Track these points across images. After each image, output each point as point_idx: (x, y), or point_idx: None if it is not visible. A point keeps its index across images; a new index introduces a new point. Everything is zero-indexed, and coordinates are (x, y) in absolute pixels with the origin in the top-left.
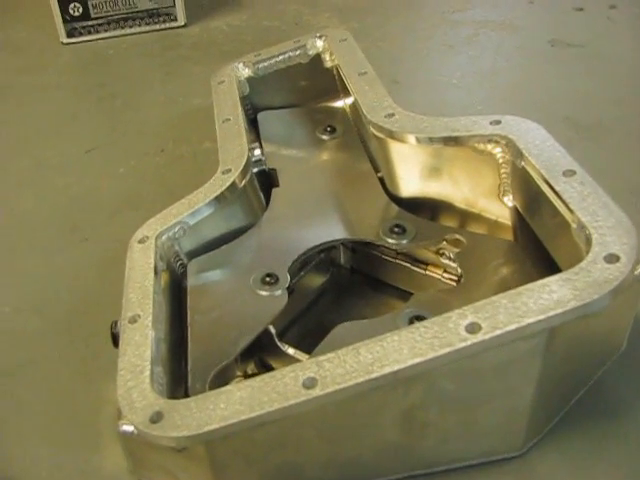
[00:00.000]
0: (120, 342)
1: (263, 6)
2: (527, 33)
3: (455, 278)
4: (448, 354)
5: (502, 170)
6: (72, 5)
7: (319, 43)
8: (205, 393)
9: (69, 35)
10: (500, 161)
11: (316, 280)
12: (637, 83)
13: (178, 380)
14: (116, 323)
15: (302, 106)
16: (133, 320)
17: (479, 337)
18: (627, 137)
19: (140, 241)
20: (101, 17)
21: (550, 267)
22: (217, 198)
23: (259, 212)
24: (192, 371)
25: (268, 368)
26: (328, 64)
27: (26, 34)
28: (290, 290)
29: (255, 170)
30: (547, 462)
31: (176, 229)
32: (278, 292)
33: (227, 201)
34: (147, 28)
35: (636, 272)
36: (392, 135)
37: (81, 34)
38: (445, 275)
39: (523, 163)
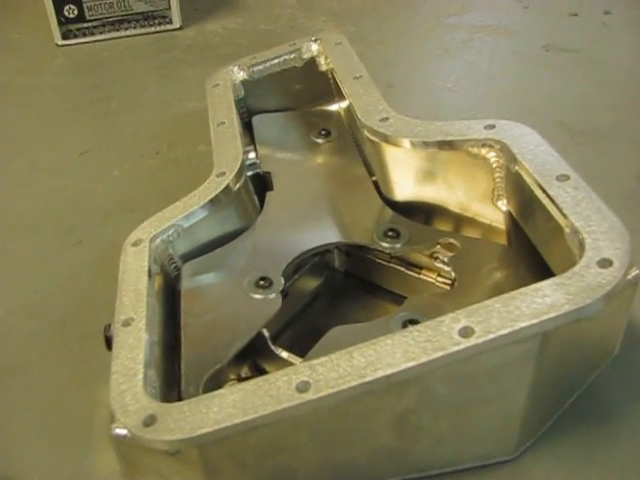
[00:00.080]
0: (113, 345)
1: (259, 9)
2: (522, 38)
3: (449, 282)
4: (441, 358)
5: (496, 174)
6: (67, 7)
7: (314, 47)
8: (198, 396)
9: (64, 37)
10: (494, 165)
11: (310, 283)
12: (632, 88)
13: (171, 383)
14: (109, 326)
15: (297, 109)
16: (126, 323)
17: (472, 341)
18: (622, 142)
19: (134, 244)
20: (96, 19)
21: (544, 271)
22: (211, 201)
23: (253, 215)
24: (185, 374)
25: (262, 371)
26: (323, 68)
27: (21, 36)
28: (284, 293)
29: (249, 173)
30: (540, 466)
31: (170, 232)
32: (272, 295)
33: (221, 204)
34: (142, 31)
35: (629, 277)
36: (386, 139)
37: (76, 36)
38: (439, 279)
39: (517, 167)
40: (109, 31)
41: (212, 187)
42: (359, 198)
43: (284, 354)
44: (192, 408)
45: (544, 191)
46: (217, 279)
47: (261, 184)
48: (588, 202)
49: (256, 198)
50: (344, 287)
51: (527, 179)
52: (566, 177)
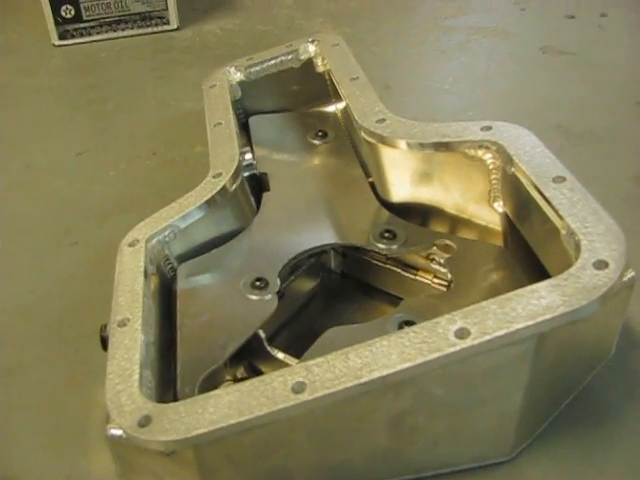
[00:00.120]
0: (109, 345)
1: (256, 10)
2: (519, 40)
3: (445, 283)
4: (437, 359)
5: (492, 176)
6: (64, 7)
7: (311, 48)
8: (194, 397)
9: (61, 37)
10: (490, 167)
11: (306, 285)
12: (628, 91)
13: (167, 384)
14: (105, 326)
15: (294, 110)
16: (122, 324)
17: (468, 342)
18: (618, 144)
19: (130, 244)
20: (93, 19)
21: (540, 273)
22: (208, 202)
23: (249, 216)
24: (181, 375)
25: (258, 372)
26: (320, 69)
27: (18, 36)
28: (280, 294)
29: (246, 174)
30: (536, 467)
31: (166, 233)
32: (268, 296)
33: (217, 205)
34: (139, 31)
35: (624, 278)
36: (383, 140)
37: (73, 36)
38: (435, 280)
39: (513, 169)
40: (106, 31)
41: (208, 188)
42: (355, 199)
43: (280, 355)
44: (188, 409)
45: (540, 193)
46: (213, 280)
47: (257, 185)
48: (584, 204)
49: (252, 199)
50: (340, 288)
51: (523, 181)
52: (562, 179)
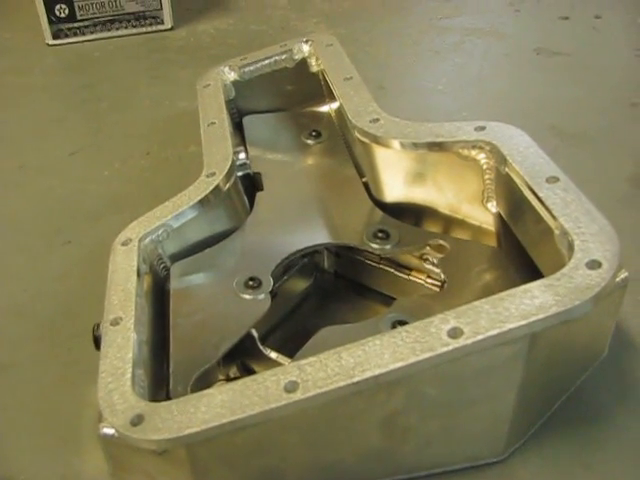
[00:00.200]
0: (102, 344)
1: (250, 10)
2: (513, 41)
3: (438, 284)
4: (430, 359)
5: (486, 176)
6: (58, 6)
7: (305, 48)
8: (186, 396)
9: (55, 36)
10: (484, 167)
11: (299, 284)
12: (622, 92)
13: (160, 383)
14: (98, 325)
15: (287, 110)
16: (115, 322)
17: (461, 342)
18: (612, 145)
19: (123, 244)
20: (87, 19)
21: (533, 273)
22: (201, 201)
23: (243, 216)
24: (174, 374)
25: (250, 372)
26: (314, 69)
27: (11, 35)
28: (273, 294)
29: (240, 174)
30: (529, 467)
31: (159, 232)
32: (261, 296)
33: (211, 204)
34: (134, 31)
35: (618, 279)
36: (377, 140)
37: (67, 36)
38: (428, 280)
39: (507, 169)
40: (100, 31)
41: (202, 187)
42: (349, 199)
43: (273, 354)
44: (180, 408)
45: (534, 193)
46: (206, 279)
47: (251, 185)
48: (577, 204)
49: (246, 199)
50: (333, 288)
51: (517, 181)
52: (556, 179)
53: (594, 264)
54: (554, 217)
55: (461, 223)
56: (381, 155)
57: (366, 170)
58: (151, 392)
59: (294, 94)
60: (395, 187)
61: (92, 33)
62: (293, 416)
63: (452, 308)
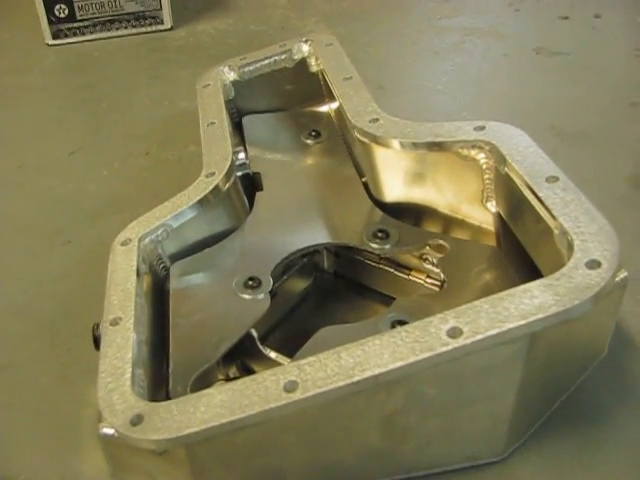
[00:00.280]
0: (101, 344)
1: (250, 10)
2: (513, 41)
3: (438, 283)
4: (429, 358)
5: (485, 176)
6: (58, 6)
7: (305, 47)
8: (186, 396)
9: (54, 36)
10: (484, 167)
11: (299, 284)
12: (621, 91)
13: (159, 383)
14: (98, 325)
15: (287, 110)
16: (115, 322)
17: (460, 342)
18: (612, 145)
19: (123, 243)
20: (87, 19)
21: (533, 273)
22: (200, 201)
23: (242, 216)
24: (173, 374)
25: (250, 372)
26: (314, 69)
27: (11, 35)
28: (273, 294)
29: (239, 174)
30: (528, 467)
31: (159, 232)
32: (261, 296)
33: (210, 204)
34: (133, 31)
35: (617, 278)
36: (376, 140)
37: (66, 36)
38: (428, 280)
39: (506, 169)
40: (100, 31)
41: (201, 187)
42: (349, 199)
43: (272, 354)
44: (180, 407)
45: (533, 192)
46: (206, 279)
47: (251, 184)
48: (577, 204)
49: (245, 198)
50: (333, 288)
51: (516, 180)
52: (555, 179)
53: (594, 264)
54: (554, 217)
55: (461, 223)
56: (381, 155)
57: (366, 170)
58: (151, 392)
59: (294, 94)
60: (395, 187)
61: (92, 33)
62: (293, 416)
63: (452, 308)
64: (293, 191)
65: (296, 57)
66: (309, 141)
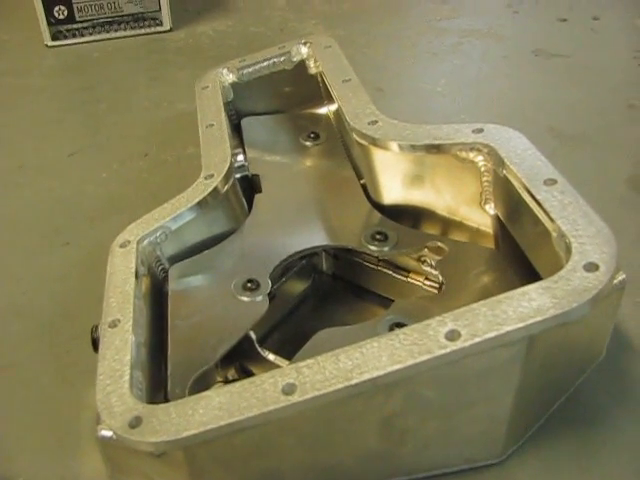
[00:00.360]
0: (100, 346)
1: (249, 12)
2: (511, 43)
3: (436, 286)
4: (427, 361)
5: (484, 178)
6: (57, 8)
7: (304, 49)
8: (184, 398)
9: (54, 38)
10: (482, 169)
11: (298, 286)
12: (620, 93)
13: (158, 385)
14: (96, 327)
15: (286, 112)
16: (113, 324)
17: (458, 344)
18: (610, 147)
19: (121, 245)
20: (86, 20)
21: (531, 275)
22: (199, 203)
23: (241, 218)
24: (172, 376)
25: (248, 374)
26: (312, 71)
27: (10, 36)
28: (271, 296)
29: (238, 176)
30: (526, 469)
31: (158, 234)
32: (259, 298)
33: (209, 206)
34: (132, 32)
35: (615, 281)
36: (375, 142)
37: (66, 37)
38: (426, 282)
39: (505, 171)
40: (99, 32)
41: (200, 189)
42: (347, 201)
43: (271, 357)
44: (178, 410)
45: (531, 195)
46: (204, 281)
47: (249, 186)
48: (575, 206)
49: (244, 200)
50: (332, 290)
51: (515, 183)
52: (553, 181)
53: (591, 266)
54: (552, 219)
55: (459, 225)
56: (379, 157)
57: (364, 172)
58: (149, 394)
59: (292, 96)
60: (393, 189)
61: (91, 34)
62: (291, 418)
63: (450, 310)
64: (292, 193)
65: (295, 59)
66: (308, 143)
